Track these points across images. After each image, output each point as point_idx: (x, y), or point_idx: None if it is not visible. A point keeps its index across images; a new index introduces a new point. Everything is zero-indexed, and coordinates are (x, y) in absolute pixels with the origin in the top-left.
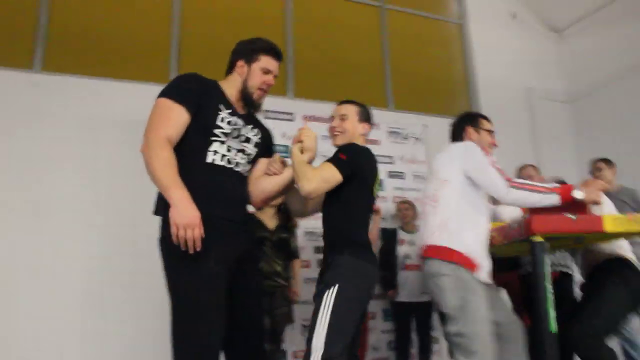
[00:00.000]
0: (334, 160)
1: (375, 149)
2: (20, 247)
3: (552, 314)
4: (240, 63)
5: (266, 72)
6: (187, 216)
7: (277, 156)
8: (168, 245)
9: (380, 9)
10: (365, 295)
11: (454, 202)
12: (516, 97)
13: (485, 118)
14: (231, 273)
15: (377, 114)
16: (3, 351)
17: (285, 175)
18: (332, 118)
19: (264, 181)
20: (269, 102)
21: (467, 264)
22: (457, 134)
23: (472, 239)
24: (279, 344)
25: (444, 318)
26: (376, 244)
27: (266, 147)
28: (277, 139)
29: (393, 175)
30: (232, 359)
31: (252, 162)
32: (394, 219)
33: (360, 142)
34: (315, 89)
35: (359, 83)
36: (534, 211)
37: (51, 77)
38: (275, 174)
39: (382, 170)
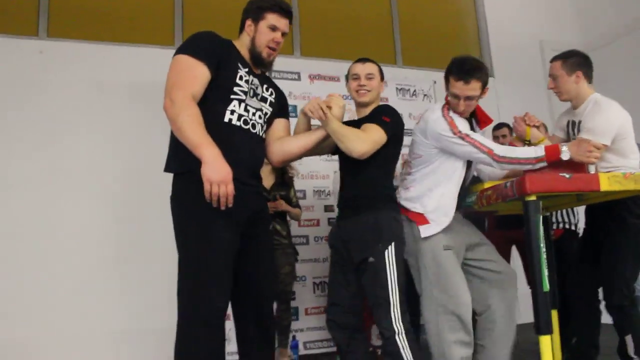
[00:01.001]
0: (380, 122)
1: None
2: (37, 212)
3: (545, 273)
4: (248, 22)
5: (273, 29)
6: (220, 172)
7: (316, 102)
8: (179, 203)
9: None
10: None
11: (422, 174)
12: (529, 50)
13: (457, 75)
14: (242, 234)
15: (385, 70)
16: (22, 310)
17: (312, 137)
18: (355, 76)
19: (288, 142)
20: (277, 62)
21: (415, 217)
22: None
23: (430, 202)
24: (288, 303)
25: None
26: None
27: (280, 107)
28: None
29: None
30: (240, 319)
31: (268, 122)
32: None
33: (379, 100)
34: (323, 46)
35: (367, 39)
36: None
37: (57, 44)
38: (319, 118)
39: None
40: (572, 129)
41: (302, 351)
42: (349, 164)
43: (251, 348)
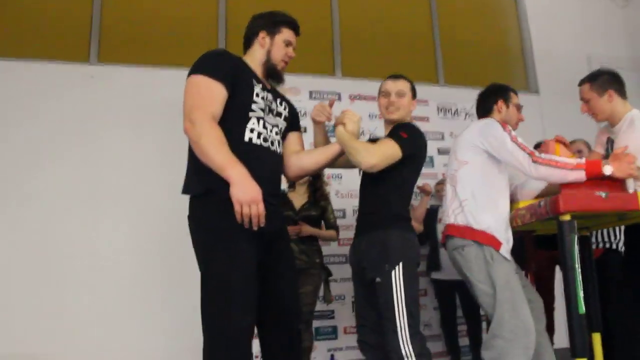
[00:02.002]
0: (396, 137)
1: (424, 126)
2: (80, 232)
3: (581, 295)
4: (262, 34)
5: (288, 44)
6: (250, 192)
7: (330, 100)
8: (199, 223)
9: None
10: (417, 265)
11: (473, 184)
12: (576, 65)
13: (514, 92)
14: (265, 252)
15: (427, 89)
16: (59, 330)
17: (327, 153)
18: (386, 93)
19: (304, 157)
20: (317, 82)
21: (490, 241)
22: (485, 107)
23: (491, 219)
24: (307, 323)
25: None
26: (421, 225)
27: (294, 121)
28: None
29: (443, 151)
30: (266, 340)
31: (283, 136)
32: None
33: (409, 119)
34: (364, 66)
35: (408, 58)
36: (565, 187)
37: (106, 68)
38: (326, 119)
39: (432, 147)
40: (611, 147)
41: None
42: (365, 181)
43: None
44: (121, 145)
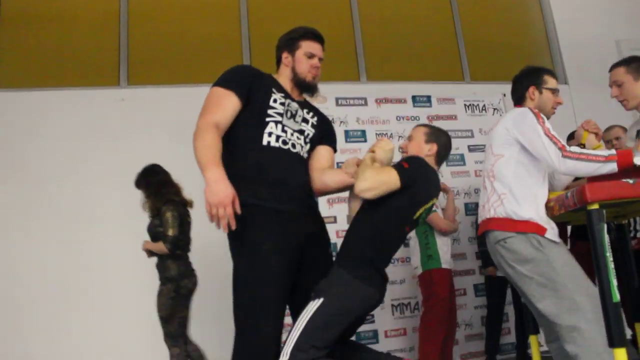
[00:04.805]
0: (396, 166)
1: (453, 124)
2: (115, 250)
3: (614, 283)
4: (284, 54)
5: (310, 56)
6: (218, 194)
7: (354, 159)
8: (231, 233)
9: None
10: (352, 312)
11: (510, 177)
12: (605, 50)
13: (549, 73)
14: (302, 257)
15: (453, 87)
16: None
17: (349, 176)
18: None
19: (328, 175)
20: (343, 89)
21: (533, 228)
22: (518, 94)
23: (532, 209)
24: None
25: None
26: (455, 224)
27: (326, 133)
28: (351, 124)
29: (473, 149)
30: None
31: (311, 143)
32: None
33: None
34: (388, 69)
35: (432, 58)
36: (592, 177)
37: (137, 90)
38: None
39: (462, 144)
40: None
41: None
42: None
43: None
44: (154, 161)
